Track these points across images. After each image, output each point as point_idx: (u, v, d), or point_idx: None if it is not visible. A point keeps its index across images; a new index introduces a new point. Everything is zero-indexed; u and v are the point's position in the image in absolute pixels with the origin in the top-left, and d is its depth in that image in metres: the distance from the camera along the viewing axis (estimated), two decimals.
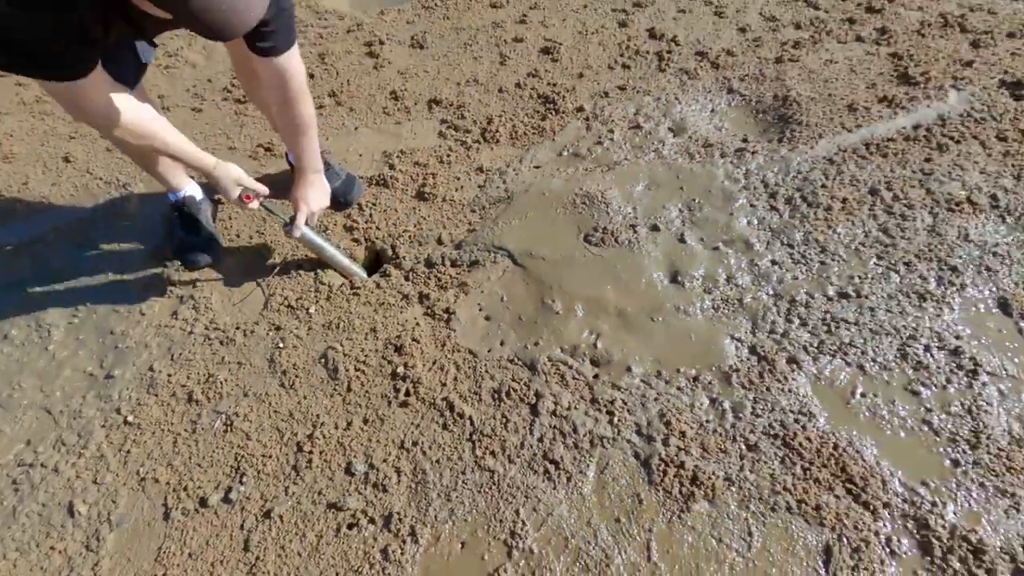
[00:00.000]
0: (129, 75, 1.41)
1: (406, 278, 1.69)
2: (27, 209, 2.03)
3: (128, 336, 1.64)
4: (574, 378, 1.43)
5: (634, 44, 2.38)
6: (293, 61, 1.37)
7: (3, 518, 1.33)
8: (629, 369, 1.43)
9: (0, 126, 2.36)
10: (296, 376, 1.50)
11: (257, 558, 1.22)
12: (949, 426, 1.30)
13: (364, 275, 1.74)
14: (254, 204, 1.57)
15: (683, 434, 1.32)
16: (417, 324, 1.58)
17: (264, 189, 1.58)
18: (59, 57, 1.10)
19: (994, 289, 1.52)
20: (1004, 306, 1.48)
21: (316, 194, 1.61)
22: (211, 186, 1.56)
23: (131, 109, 1.29)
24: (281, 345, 1.57)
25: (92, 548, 1.27)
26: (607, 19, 2.53)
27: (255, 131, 2.20)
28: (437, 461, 1.33)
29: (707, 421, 1.34)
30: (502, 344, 1.52)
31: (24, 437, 1.46)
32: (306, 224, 1.59)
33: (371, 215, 1.86)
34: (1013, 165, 1.77)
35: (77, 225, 1.96)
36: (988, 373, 1.37)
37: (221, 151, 2.15)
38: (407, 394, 1.44)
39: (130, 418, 1.47)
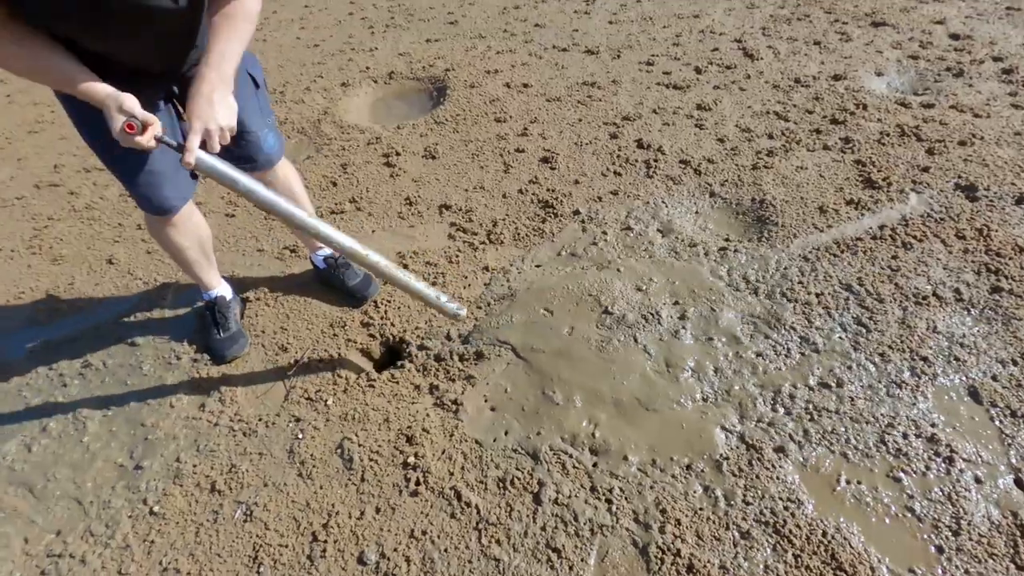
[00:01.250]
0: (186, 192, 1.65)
1: (418, 371, 1.83)
2: (71, 308, 2.22)
3: (158, 428, 1.75)
4: (574, 467, 1.53)
5: (624, 154, 2.65)
6: None
7: None
8: (626, 458, 1.53)
9: (52, 231, 2.61)
10: (313, 466, 1.60)
11: None
12: (931, 512, 1.37)
13: (309, 220, 1.45)
14: (145, 138, 1.23)
15: (679, 522, 1.39)
16: (427, 415, 1.69)
17: (154, 120, 1.24)
18: None
19: (964, 378, 1.63)
20: (974, 395, 1.59)
21: (216, 108, 1.26)
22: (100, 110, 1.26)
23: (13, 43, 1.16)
24: (300, 436, 1.68)
25: None
26: (600, 131, 2.82)
27: (282, 235, 2.43)
28: (445, 550, 1.40)
29: (701, 509, 1.42)
30: (506, 434, 1.63)
31: (55, 528, 1.55)
32: (204, 148, 1.27)
33: (386, 312, 2.02)
34: (973, 261, 1.94)
35: (116, 322, 2.13)
36: (964, 460, 1.46)
37: (251, 252, 2.36)
38: (417, 483, 1.53)
39: (156, 508, 1.55)
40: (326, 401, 1.76)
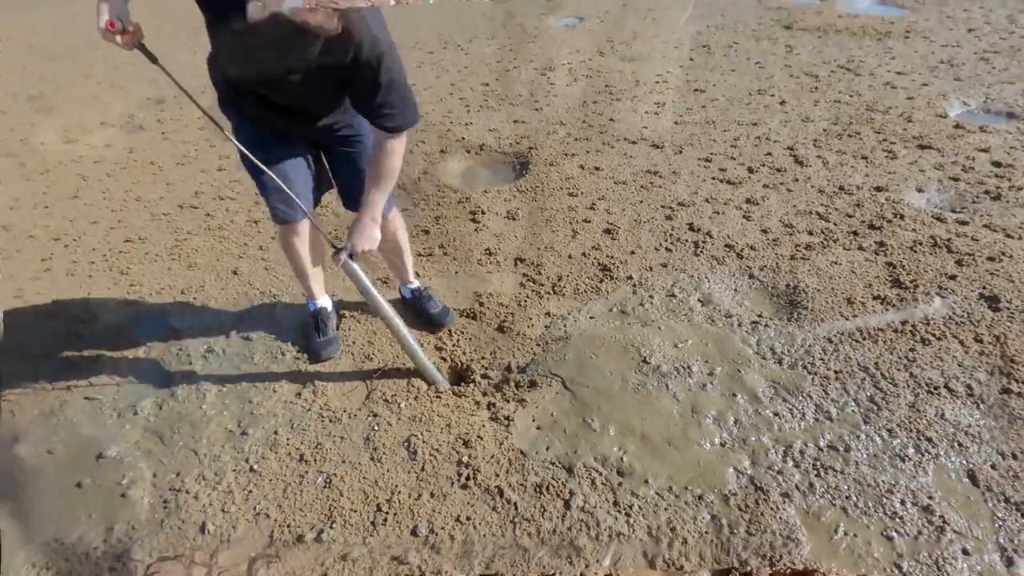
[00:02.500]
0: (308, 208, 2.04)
1: (480, 391, 2.15)
2: (200, 306, 2.71)
3: (262, 406, 2.14)
4: (602, 483, 1.79)
5: (676, 233, 3.00)
6: (402, 141, 1.79)
7: (153, 526, 1.75)
8: (647, 482, 1.78)
9: (189, 243, 3.17)
10: (384, 453, 1.93)
11: None
12: (918, 572, 1.53)
13: (408, 339, 2.06)
14: (122, 41, 1.47)
15: (685, 541, 1.62)
16: (483, 425, 2.00)
17: (134, 28, 1.49)
18: None
19: (964, 462, 1.80)
20: (972, 477, 1.76)
21: (364, 235, 1.86)
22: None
23: None
24: (375, 428, 2.02)
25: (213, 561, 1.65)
26: (657, 213, 3.20)
27: (377, 269, 2.88)
28: (484, 535, 1.68)
29: (706, 532, 1.64)
30: (547, 449, 1.91)
31: (176, 469, 1.93)
32: (352, 258, 1.85)
33: (459, 340, 2.39)
34: (987, 363, 2.12)
35: (235, 320, 2.59)
36: (955, 532, 1.62)
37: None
38: (468, 478, 1.83)
39: (255, 467, 1.91)
40: (400, 404, 2.11)
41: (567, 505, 1.73)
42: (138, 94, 5.45)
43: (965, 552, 1.58)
